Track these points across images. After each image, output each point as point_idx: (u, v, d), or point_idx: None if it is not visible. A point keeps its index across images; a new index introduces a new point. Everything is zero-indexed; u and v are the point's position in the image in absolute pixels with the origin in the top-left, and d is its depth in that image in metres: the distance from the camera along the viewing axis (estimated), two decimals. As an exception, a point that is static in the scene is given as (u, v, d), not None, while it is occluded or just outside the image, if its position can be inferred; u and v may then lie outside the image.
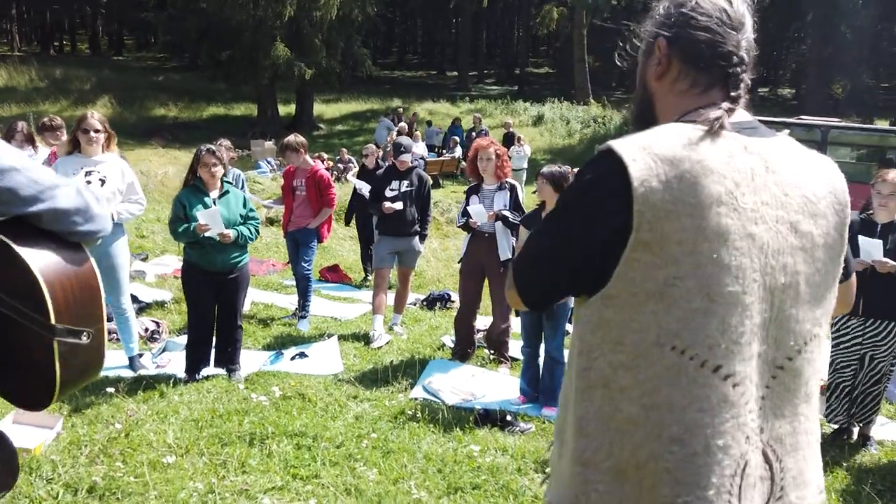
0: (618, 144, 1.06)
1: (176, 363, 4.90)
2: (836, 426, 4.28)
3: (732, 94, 1.14)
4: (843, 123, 13.04)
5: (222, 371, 4.74)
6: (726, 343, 1.01)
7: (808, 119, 12.03)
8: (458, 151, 17.62)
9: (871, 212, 4.08)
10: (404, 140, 6.08)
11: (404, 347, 5.63)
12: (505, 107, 26.58)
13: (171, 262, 8.39)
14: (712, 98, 1.14)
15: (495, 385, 4.84)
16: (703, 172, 1.01)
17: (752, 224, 1.02)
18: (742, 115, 1.15)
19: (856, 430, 4.22)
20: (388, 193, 5.73)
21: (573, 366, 1.14)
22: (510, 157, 6.30)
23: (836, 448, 4.06)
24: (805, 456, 1.10)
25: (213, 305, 4.61)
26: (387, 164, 7.99)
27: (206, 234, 4.37)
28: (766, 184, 1.05)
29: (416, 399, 4.47)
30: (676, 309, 1.01)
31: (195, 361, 4.64)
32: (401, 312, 6.14)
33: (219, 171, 4.51)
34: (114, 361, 4.93)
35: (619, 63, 1.34)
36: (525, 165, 15.58)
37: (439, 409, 4.24)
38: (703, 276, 1.00)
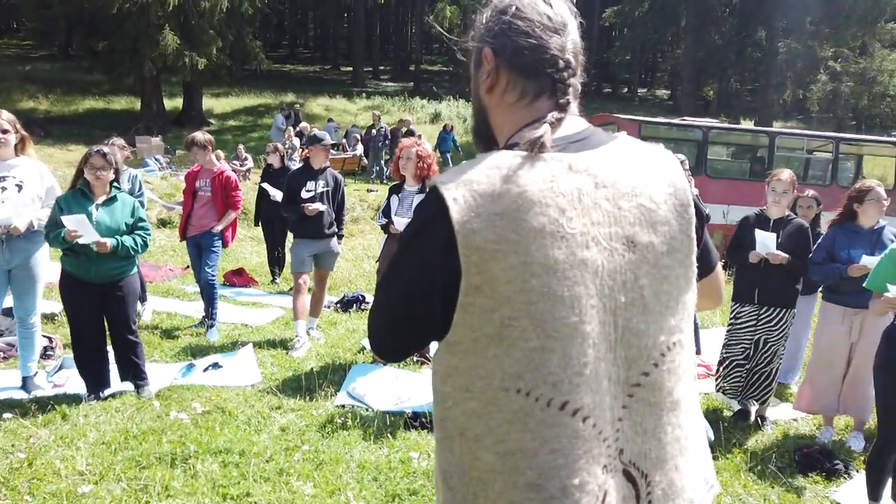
0: (442, 183, 1.02)
1: (75, 381, 4.54)
2: (735, 408, 4.63)
3: (560, 100, 1.09)
4: (722, 124, 14.05)
5: (130, 387, 4.44)
6: (569, 377, 0.98)
7: (690, 120, 12.86)
8: (360, 149, 17.44)
9: (764, 207, 4.43)
10: (317, 132, 5.95)
11: (323, 352, 5.51)
12: (402, 104, 26.58)
13: (58, 269, 7.74)
14: (541, 108, 1.10)
15: (420, 386, 4.84)
16: (524, 206, 0.97)
17: (582, 249, 0.99)
18: (573, 125, 1.10)
19: (753, 410, 4.59)
20: (305, 195, 5.58)
21: (434, 416, 1.12)
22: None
23: (739, 431, 4.40)
24: (677, 465, 1.08)
25: (96, 318, 4.25)
26: (292, 164, 7.79)
27: (81, 242, 4.00)
28: (595, 202, 1.01)
29: (342, 406, 4.39)
30: (515, 350, 0.98)
31: (91, 379, 4.30)
32: (317, 316, 6.00)
33: (106, 175, 4.15)
34: (4, 383, 4.51)
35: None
36: (427, 163, 15.66)
37: (368, 416, 4.19)
38: (536, 312, 0.97)
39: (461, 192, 0.99)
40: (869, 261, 3.84)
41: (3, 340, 5.17)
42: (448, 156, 18.32)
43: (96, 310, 4.23)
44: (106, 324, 4.31)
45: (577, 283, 0.99)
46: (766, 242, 4.16)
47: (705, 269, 1.21)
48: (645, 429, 1.05)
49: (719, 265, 1.30)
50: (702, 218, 1.18)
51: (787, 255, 4.16)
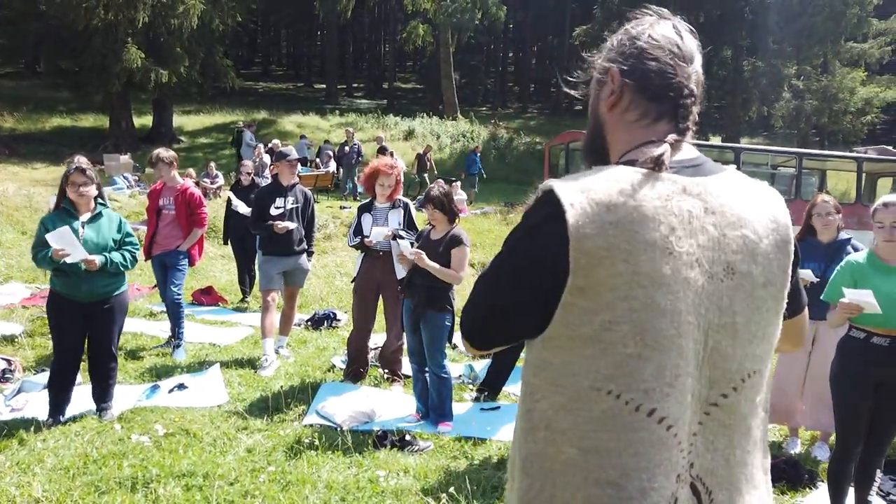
0: (559, 187, 1.07)
1: (35, 405, 4.42)
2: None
3: (681, 125, 1.16)
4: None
5: (92, 410, 4.33)
6: (661, 386, 1.03)
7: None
8: (332, 166, 17.38)
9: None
10: (283, 149, 5.91)
11: (293, 371, 5.44)
12: (376, 121, 26.61)
13: (18, 290, 7.57)
14: (660, 129, 1.16)
15: (390, 404, 4.80)
16: (639, 219, 1.02)
17: (687, 268, 1.04)
18: (688, 151, 1.16)
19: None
20: (274, 212, 5.53)
21: (520, 406, 1.16)
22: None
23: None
24: (740, 489, 1.12)
25: (80, 339, 4.19)
26: (262, 180, 7.72)
27: (69, 261, 3.94)
28: (703, 226, 1.06)
29: (311, 426, 4.33)
30: (611, 354, 1.03)
31: (58, 401, 4.20)
32: (287, 334, 5.94)
33: (89, 191, 4.12)
34: (-41, 408, 4.37)
35: (568, 90, 1.34)
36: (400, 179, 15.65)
37: (337, 435, 4.14)
38: (638, 321, 1.02)
39: (578, 198, 1.04)
40: (804, 274, 4.01)
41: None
42: (475, 179, 18.31)
43: (82, 330, 4.17)
44: (87, 344, 4.23)
45: (678, 299, 1.03)
46: None
47: (796, 307, 1.24)
48: (716, 447, 1.09)
49: (806, 311, 1.31)
50: (797, 257, 1.19)
51: None
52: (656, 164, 1.07)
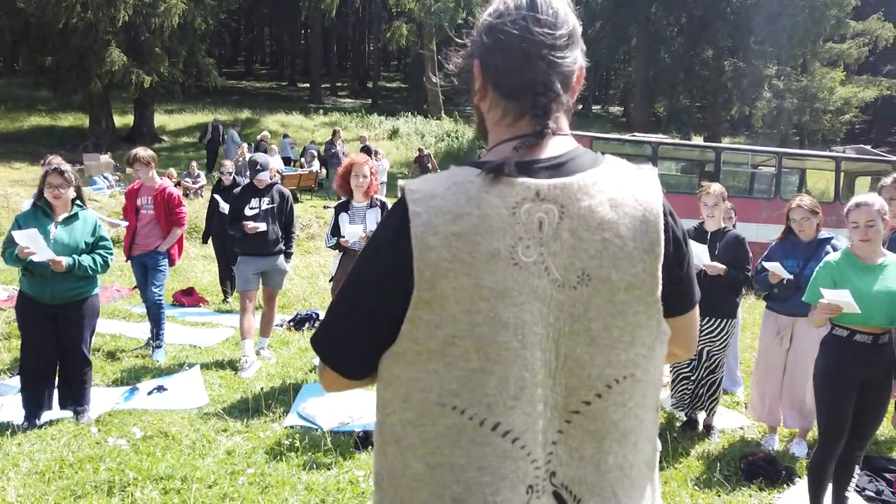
0: (409, 193, 1.03)
1: (9, 408, 4.35)
2: (684, 418, 4.70)
3: (538, 128, 1.07)
4: (670, 140, 14.41)
5: (69, 414, 4.27)
6: (504, 399, 1.00)
7: (639, 136, 13.15)
8: (316, 165, 17.31)
9: (702, 220, 4.54)
10: (260, 157, 5.77)
11: (274, 373, 5.41)
12: (360, 120, 26.51)
13: (-7, 292, 7.45)
14: (521, 128, 1.09)
15: (371, 405, 4.77)
16: (483, 229, 0.99)
17: (534, 278, 1.00)
18: (555, 148, 1.08)
19: (701, 420, 4.66)
20: (248, 212, 5.49)
21: (375, 420, 1.14)
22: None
23: (687, 440, 4.46)
24: (615, 493, 1.08)
25: (49, 341, 4.11)
26: (244, 180, 7.62)
27: (35, 259, 3.87)
28: (557, 232, 1.02)
29: (291, 427, 4.30)
30: (455, 368, 1.01)
31: (32, 405, 4.13)
32: (268, 336, 5.90)
33: (66, 193, 4.07)
34: (-69, 412, 4.29)
35: (447, 81, 1.24)
36: (385, 179, 15.63)
37: (317, 436, 4.12)
38: (480, 335, 0.99)
39: (424, 206, 1.01)
40: (773, 266, 4.09)
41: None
42: None
43: (50, 332, 4.09)
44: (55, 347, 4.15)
45: (524, 311, 1.00)
46: (698, 254, 4.26)
47: (685, 305, 1.18)
48: (582, 455, 1.05)
49: (695, 311, 1.22)
50: (679, 251, 1.13)
51: (723, 267, 4.26)
52: (496, 171, 1.02)
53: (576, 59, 1.12)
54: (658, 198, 1.08)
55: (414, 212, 1.01)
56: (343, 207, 5.14)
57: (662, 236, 1.07)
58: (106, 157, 16.91)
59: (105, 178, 15.20)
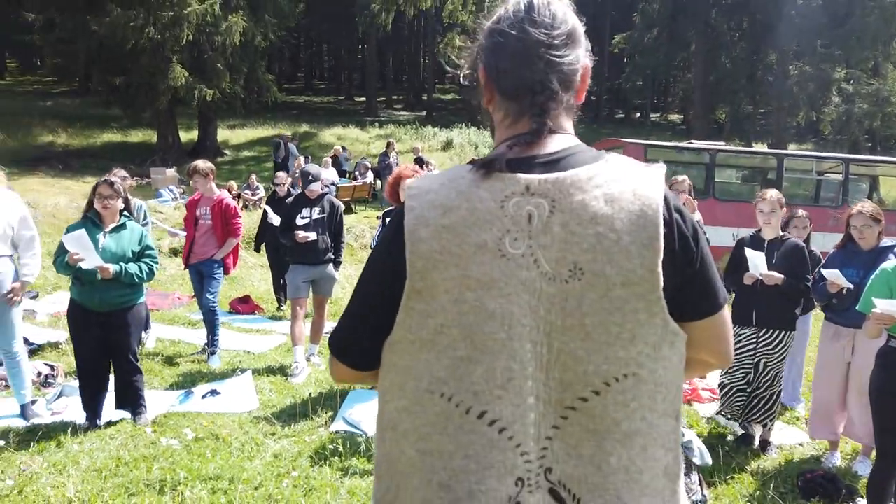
0: (408, 190, 1.10)
1: (74, 409, 4.56)
2: (739, 432, 4.53)
3: (534, 125, 1.08)
4: (729, 147, 14.00)
5: (128, 414, 4.45)
6: (491, 389, 1.02)
7: (697, 143, 12.84)
8: (370, 176, 17.58)
9: (759, 229, 4.39)
10: (312, 168, 5.95)
11: (322, 379, 5.50)
12: (414, 132, 26.81)
13: (65, 299, 7.81)
14: (520, 128, 1.11)
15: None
16: (471, 221, 1.02)
17: (522, 270, 1.01)
18: (554, 144, 1.09)
19: (757, 435, 4.48)
20: (300, 221, 5.62)
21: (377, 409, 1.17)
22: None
23: (741, 455, 4.29)
24: (620, 496, 1.04)
25: (99, 346, 4.26)
26: (297, 191, 7.83)
27: (83, 267, 4.02)
28: (547, 225, 1.02)
29: (337, 432, 4.36)
30: (444, 357, 1.04)
31: (89, 406, 4.32)
32: (318, 342, 6.00)
33: (114, 204, 4.22)
34: (3, 411, 4.54)
35: (463, 85, 1.26)
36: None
37: (362, 441, 4.16)
38: (467, 324, 1.02)
39: (419, 201, 1.06)
40: (832, 275, 3.88)
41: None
42: None
43: (100, 338, 4.24)
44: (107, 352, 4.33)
45: (511, 302, 1.01)
46: (756, 263, 4.11)
47: (706, 308, 1.12)
48: (580, 453, 1.04)
49: (724, 314, 1.16)
50: (687, 248, 1.08)
51: (781, 276, 4.10)
52: (487, 167, 1.05)
53: (577, 58, 1.13)
54: (659, 193, 1.06)
55: (409, 206, 1.07)
56: (390, 214, 5.22)
57: (662, 231, 1.04)
58: (171, 171, 17.62)
59: (170, 190, 15.83)
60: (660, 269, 1.03)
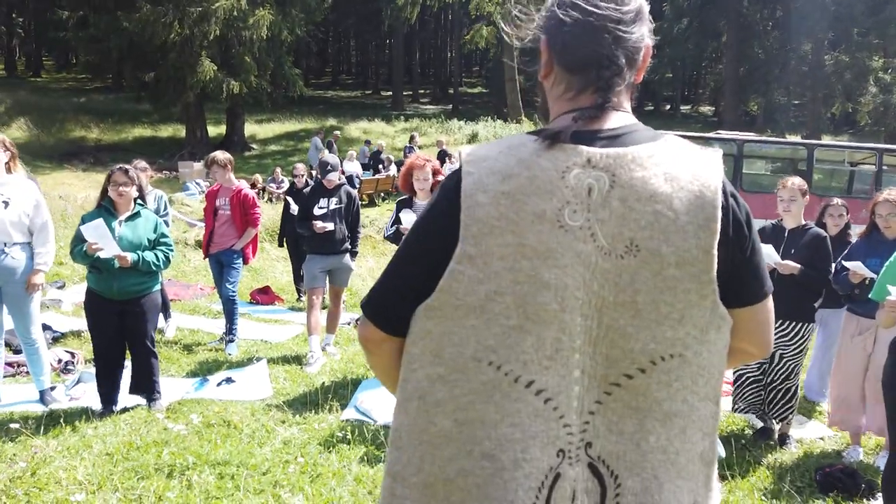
0: (465, 156, 1.08)
1: (91, 395, 4.63)
2: (758, 425, 4.42)
3: (599, 100, 1.08)
4: (757, 137, 13.69)
5: (143, 401, 4.51)
6: (540, 359, 1.02)
7: (724, 133, 12.60)
8: (393, 169, 17.62)
9: (780, 218, 4.26)
10: (330, 158, 5.98)
11: (337, 368, 5.51)
12: (440, 125, 26.81)
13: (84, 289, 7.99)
14: (582, 102, 1.10)
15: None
16: (531, 190, 1.01)
17: (579, 242, 1.01)
18: (615, 120, 1.09)
19: (776, 429, 4.37)
20: (317, 211, 5.64)
21: (399, 378, 1.13)
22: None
23: (757, 448, 4.19)
24: (657, 476, 1.05)
25: (116, 334, 4.31)
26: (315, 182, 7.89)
27: (102, 256, 4.05)
28: (606, 199, 1.02)
29: (347, 420, 4.37)
30: (494, 325, 1.02)
31: (105, 392, 4.38)
32: (333, 332, 6.03)
33: (129, 191, 4.26)
34: (23, 396, 4.64)
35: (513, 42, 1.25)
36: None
37: (372, 429, 4.15)
38: (521, 292, 1.01)
39: (476, 166, 1.05)
40: (854, 265, 3.77)
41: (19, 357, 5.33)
42: None
43: (117, 326, 4.29)
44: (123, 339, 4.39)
45: (566, 274, 1.01)
46: (767, 252, 3.98)
47: (748, 296, 1.12)
48: (621, 430, 1.04)
49: (769, 303, 1.16)
50: (741, 235, 1.08)
51: (797, 265, 3.95)
52: (552, 138, 1.04)
53: (642, 35, 1.12)
54: (718, 176, 1.07)
55: (467, 171, 1.05)
56: (406, 204, 5.18)
57: (719, 213, 1.04)
58: (198, 165, 17.88)
59: (197, 183, 16.08)
60: (715, 251, 1.03)
